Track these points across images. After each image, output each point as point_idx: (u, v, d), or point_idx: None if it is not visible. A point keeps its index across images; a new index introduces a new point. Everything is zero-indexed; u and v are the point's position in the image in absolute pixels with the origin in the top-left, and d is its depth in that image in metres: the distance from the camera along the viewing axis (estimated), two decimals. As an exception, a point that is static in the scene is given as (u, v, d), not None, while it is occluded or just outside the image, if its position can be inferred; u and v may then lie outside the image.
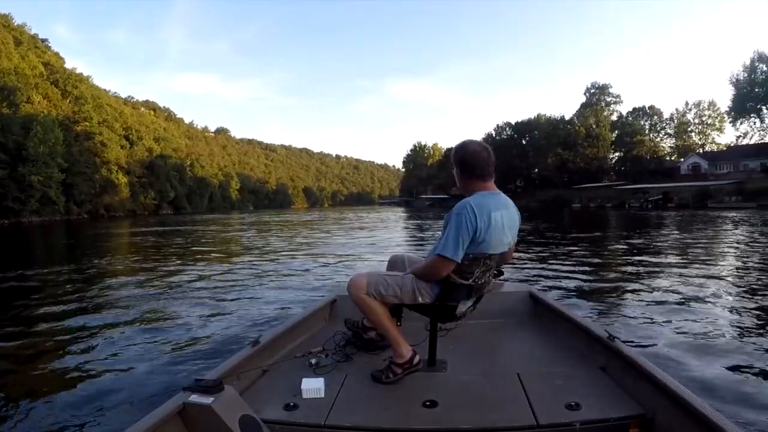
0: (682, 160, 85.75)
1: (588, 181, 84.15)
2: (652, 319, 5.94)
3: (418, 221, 39.08)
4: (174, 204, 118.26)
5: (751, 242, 15.86)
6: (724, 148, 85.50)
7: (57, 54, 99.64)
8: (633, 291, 7.80)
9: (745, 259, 11.62)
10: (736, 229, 22.29)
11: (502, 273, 3.33)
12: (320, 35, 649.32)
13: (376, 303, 2.89)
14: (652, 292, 7.61)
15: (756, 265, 10.59)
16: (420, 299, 2.87)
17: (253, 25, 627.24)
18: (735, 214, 35.29)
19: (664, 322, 5.81)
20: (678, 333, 5.29)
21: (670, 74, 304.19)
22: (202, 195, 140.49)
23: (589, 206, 71.79)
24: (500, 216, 2.76)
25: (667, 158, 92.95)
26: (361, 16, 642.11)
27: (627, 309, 6.52)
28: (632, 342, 4.73)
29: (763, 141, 77.60)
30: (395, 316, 3.11)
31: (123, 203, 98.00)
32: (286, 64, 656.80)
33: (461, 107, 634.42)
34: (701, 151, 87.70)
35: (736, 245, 14.95)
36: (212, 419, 2.08)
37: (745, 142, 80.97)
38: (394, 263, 3.51)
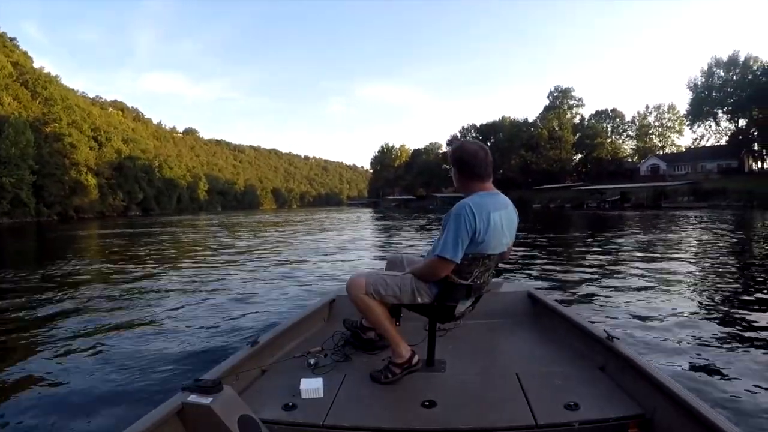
0: (643, 161, 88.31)
1: (551, 183, 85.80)
2: (632, 312, 6.22)
3: (383, 222, 39.82)
4: (142, 205, 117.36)
5: (715, 239, 16.71)
6: (684, 150, 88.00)
7: (25, 53, 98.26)
8: (615, 289, 7.95)
9: (708, 257, 12.08)
10: (696, 226, 23.65)
11: (500, 273, 3.53)
12: (289, 36, 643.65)
13: (375, 303, 2.89)
14: (630, 290, 7.84)
15: (724, 262, 11.15)
16: (419, 299, 2.89)
17: (223, 25, 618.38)
18: (692, 214, 37.20)
19: (643, 314, 6.08)
20: (667, 329, 5.43)
21: (634, 78, 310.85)
22: (170, 196, 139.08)
23: (549, 206, 73.69)
24: (499, 216, 2.78)
25: (629, 159, 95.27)
26: (329, 17, 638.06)
27: (614, 307, 6.65)
28: (630, 341, 4.72)
29: (719, 143, 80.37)
30: (394, 316, 3.13)
31: (92, 205, 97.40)
32: (254, 65, 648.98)
33: (429, 109, 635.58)
34: (661, 152, 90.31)
35: (697, 243, 15.69)
36: (211, 419, 2.11)
37: (702, 144, 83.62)
38: (393, 263, 3.53)
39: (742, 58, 75.07)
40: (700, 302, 7.02)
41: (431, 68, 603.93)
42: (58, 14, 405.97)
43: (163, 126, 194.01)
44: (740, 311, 6.29)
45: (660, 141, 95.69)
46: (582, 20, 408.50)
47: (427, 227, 29.22)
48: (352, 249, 17.05)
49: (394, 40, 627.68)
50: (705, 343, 4.88)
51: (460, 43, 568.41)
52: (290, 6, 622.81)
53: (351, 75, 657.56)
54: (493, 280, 3.27)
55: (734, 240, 16.75)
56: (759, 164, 76.71)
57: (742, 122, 76.74)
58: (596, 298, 7.35)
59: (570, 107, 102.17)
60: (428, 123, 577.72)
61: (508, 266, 10.21)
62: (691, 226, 24.02)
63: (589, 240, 18.48)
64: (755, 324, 5.59)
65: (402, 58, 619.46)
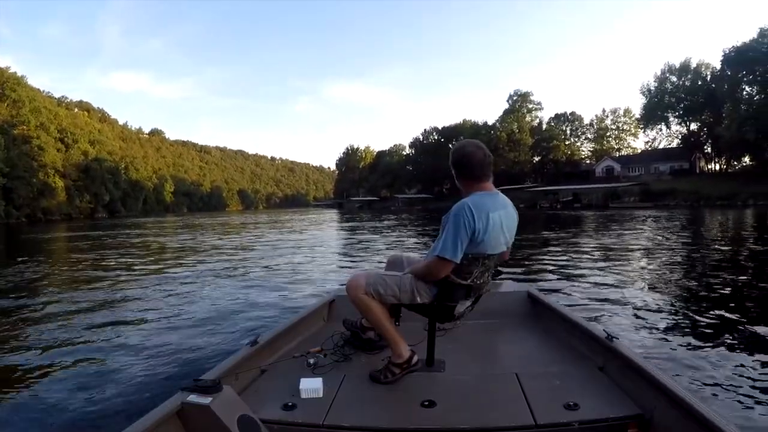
0: (598, 163, 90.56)
1: (510, 184, 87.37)
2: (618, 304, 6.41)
3: (347, 223, 40.02)
4: (109, 207, 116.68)
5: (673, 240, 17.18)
6: (638, 152, 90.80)
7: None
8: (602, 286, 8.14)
9: (666, 254, 12.58)
10: (652, 226, 24.48)
11: (500, 273, 3.41)
12: (256, 35, 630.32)
13: (375, 303, 2.88)
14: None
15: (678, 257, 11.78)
16: (418, 299, 2.88)
17: (189, 24, 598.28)
18: (646, 213, 38.71)
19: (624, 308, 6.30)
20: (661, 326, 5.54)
21: (594, 82, 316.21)
22: (136, 198, 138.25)
23: (504, 207, 76.31)
24: (498, 216, 2.76)
25: (587, 161, 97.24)
26: (296, 16, 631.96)
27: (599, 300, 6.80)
28: (630, 341, 4.59)
29: (671, 146, 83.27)
30: (394, 316, 3.14)
31: (59, 207, 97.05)
32: (221, 64, 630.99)
33: (395, 110, 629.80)
34: (617, 154, 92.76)
35: (658, 243, 16.02)
36: (210, 419, 2.11)
37: (654, 146, 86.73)
38: (393, 263, 3.49)
39: (693, 65, 77.91)
40: (696, 301, 7.08)
41: (398, 69, 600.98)
42: (21, 8, 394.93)
43: (129, 127, 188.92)
44: (738, 310, 6.37)
45: (616, 143, 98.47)
46: (542, 26, 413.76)
47: (385, 230, 29.77)
48: (327, 250, 17.40)
49: (361, 40, 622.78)
50: (704, 342, 4.89)
51: (426, 46, 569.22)
52: (258, 4, 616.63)
53: (318, 74, 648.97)
54: (493, 280, 3.25)
55: (691, 239, 17.44)
56: (710, 165, 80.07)
57: (693, 126, 79.74)
58: (583, 296, 7.36)
59: (529, 110, 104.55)
60: (393, 124, 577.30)
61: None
62: (644, 226, 24.87)
63: (546, 238, 19.10)
64: (753, 322, 5.66)
65: (371, 58, 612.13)
